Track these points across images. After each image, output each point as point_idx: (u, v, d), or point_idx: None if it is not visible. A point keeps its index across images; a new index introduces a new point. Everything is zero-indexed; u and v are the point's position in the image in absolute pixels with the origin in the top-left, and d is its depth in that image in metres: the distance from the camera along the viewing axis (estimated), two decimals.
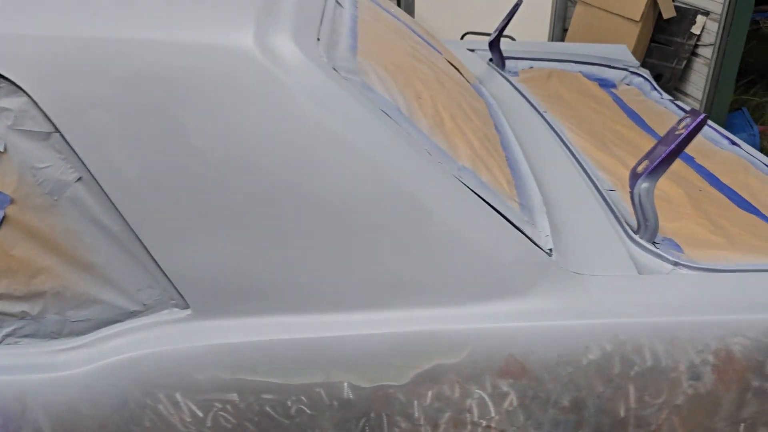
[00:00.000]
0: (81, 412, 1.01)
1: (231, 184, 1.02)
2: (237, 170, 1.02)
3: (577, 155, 1.56)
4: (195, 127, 1.01)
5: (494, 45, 2.23)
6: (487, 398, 1.07)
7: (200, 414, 1.02)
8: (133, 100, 1.00)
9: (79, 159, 1.01)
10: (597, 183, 1.43)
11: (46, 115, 1.00)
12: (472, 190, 1.12)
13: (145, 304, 1.07)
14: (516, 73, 2.29)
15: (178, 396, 1.01)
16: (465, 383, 1.05)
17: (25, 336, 1.07)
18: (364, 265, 1.05)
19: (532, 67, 2.32)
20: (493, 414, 1.08)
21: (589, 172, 1.47)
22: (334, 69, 1.10)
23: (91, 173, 1.01)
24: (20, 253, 1.04)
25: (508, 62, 2.30)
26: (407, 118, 1.16)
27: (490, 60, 2.29)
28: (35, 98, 0.99)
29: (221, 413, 1.03)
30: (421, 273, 1.06)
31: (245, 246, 1.03)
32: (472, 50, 2.40)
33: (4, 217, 1.02)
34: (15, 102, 1.00)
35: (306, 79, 1.04)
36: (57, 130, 1.01)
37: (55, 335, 1.07)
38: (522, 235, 1.12)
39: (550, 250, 1.14)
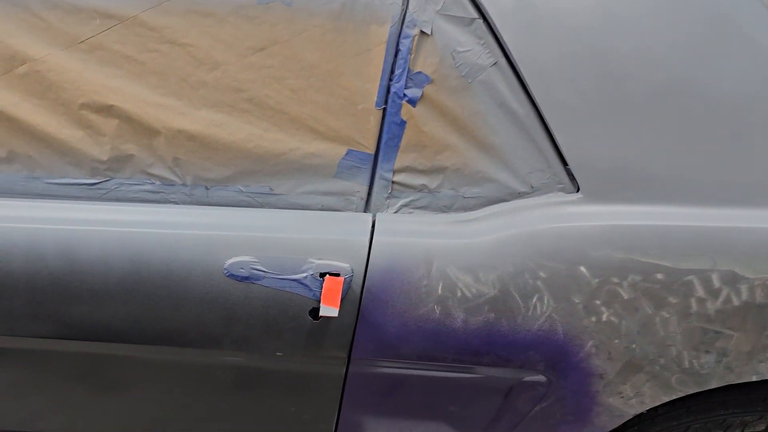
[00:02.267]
0: (480, 277, 1.11)
1: (638, 79, 1.08)
2: (643, 66, 1.08)
3: None
4: (610, 25, 1.07)
5: None
6: None
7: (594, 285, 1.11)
8: None
9: (499, 45, 1.10)
10: None
11: (474, 2, 1.09)
12: None
13: (532, 186, 1.15)
14: None
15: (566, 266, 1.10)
16: None
17: (419, 208, 1.18)
18: (755, 163, 1.09)
19: None
20: None
21: None
22: None
23: (508, 58, 1.10)
24: (431, 129, 1.14)
25: None
26: None
27: None
28: None
29: (608, 287, 1.10)
30: None
31: (644, 138, 1.10)
32: None
33: (422, 96, 1.13)
34: None
35: None
36: (482, 17, 1.10)
37: (446, 209, 1.18)
38: None
39: None
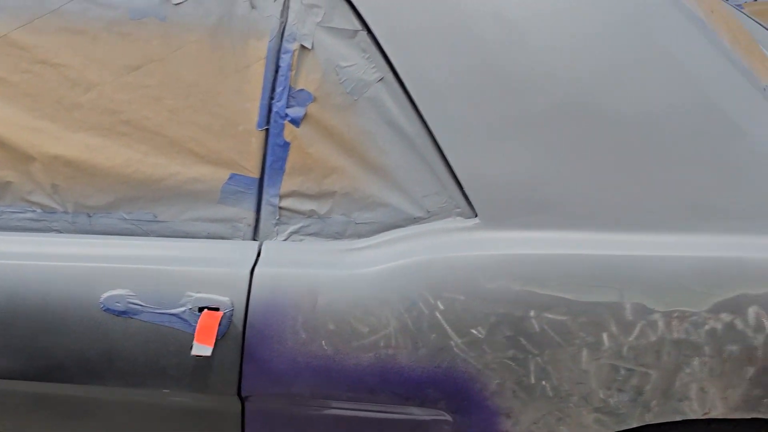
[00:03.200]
0: (369, 310, 1.03)
1: (537, 93, 0.99)
2: (543, 79, 0.98)
3: None
4: (506, 34, 0.98)
5: None
6: None
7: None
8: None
9: (385, 58, 1.01)
10: None
11: (356, 12, 1.00)
12: None
13: (428, 211, 1.06)
14: (740, 6, 2.12)
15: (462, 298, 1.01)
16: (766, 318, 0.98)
17: (310, 234, 1.10)
18: (669, 183, 0.99)
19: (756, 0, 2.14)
20: None
21: None
22: None
23: (395, 73, 1.01)
24: (316, 151, 1.06)
25: None
26: (710, 30, 1.08)
27: None
28: None
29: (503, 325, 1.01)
30: (730, 195, 0.99)
31: (545, 158, 1.00)
32: None
33: (305, 115, 1.05)
34: None
35: None
36: (365, 28, 1.01)
37: (338, 236, 1.09)
38: None
39: None
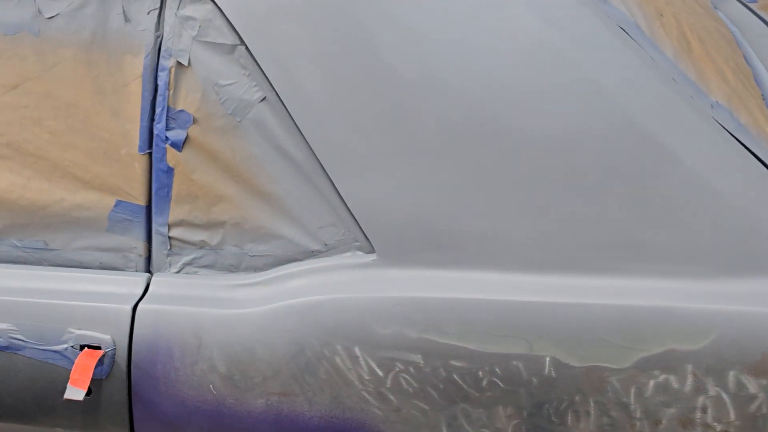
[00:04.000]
0: (256, 353, 0.93)
1: (430, 114, 0.86)
2: (437, 96, 0.85)
3: None
4: (391, 43, 0.85)
5: None
6: (727, 399, 0.85)
7: (380, 373, 0.90)
8: (324, 9, 0.86)
9: (264, 76, 0.90)
10: None
11: (231, 26, 0.89)
12: (729, 132, 0.88)
13: (326, 244, 0.96)
14: (755, 0, 1.89)
15: (357, 350, 0.90)
16: (702, 376, 0.84)
17: (204, 267, 1.01)
18: (586, 218, 0.85)
19: None
20: (733, 418, 0.85)
21: None
22: None
23: (276, 92, 0.90)
24: (201, 177, 0.96)
25: None
26: (648, 37, 0.92)
27: None
28: (221, 6, 0.89)
29: (403, 375, 0.90)
30: (659, 233, 0.84)
31: (444, 187, 0.88)
32: None
33: (186, 138, 0.95)
34: (199, 11, 0.91)
35: None
36: (242, 43, 0.90)
37: (234, 269, 1.00)
38: None
39: None
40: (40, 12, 0.96)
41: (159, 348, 0.96)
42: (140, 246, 1.01)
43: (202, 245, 0.99)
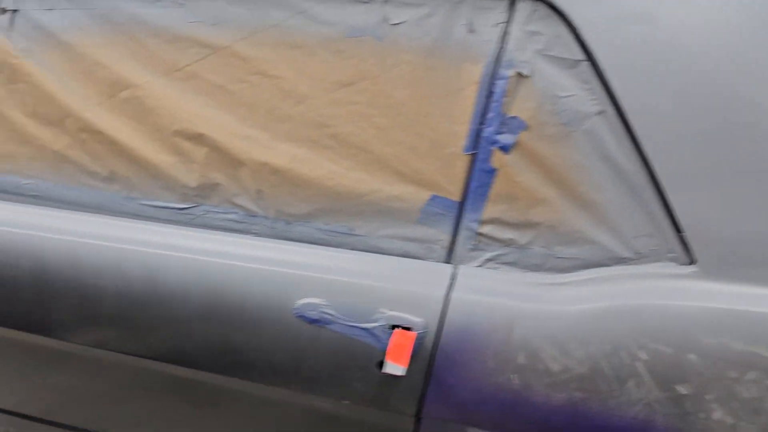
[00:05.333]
0: (568, 349, 0.99)
1: None
2: None
3: None
4: (741, 65, 0.90)
5: None
6: None
7: (695, 381, 0.94)
8: (679, 39, 0.92)
9: (608, 91, 0.96)
10: None
11: (580, 42, 0.96)
12: None
13: (638, 252, 1.01)
14: None
15: (675, 356, 0.94)
16: None
17: (506, 263, 1.07)
18: None
19: None
20: None
21: None
22: None
23: (617, 107, 0.96)
24: (524, 180, 1.03)
25: None
26: None
27: None
28: (573, 23, 0.96)
29: (723, 385, 0.94)
30: None
31: None
32: None
33: (516, 143, 1.02)
34: (548, 26, 0.98)
35: None
36: (588, 59, 0.97)
37: (536, 268, 1.06)
38: None
39: None
40: (386, 19, 1.05)
41: (468, 335, 1.03)
42: (446, 239, 1.09)
43: (509, 243, 1.06)
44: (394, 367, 1.02)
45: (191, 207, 1.20)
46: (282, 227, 1.16)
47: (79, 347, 1.25)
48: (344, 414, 1.17)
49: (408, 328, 1.05)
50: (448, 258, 1.10)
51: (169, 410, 1.29)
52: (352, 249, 1.13)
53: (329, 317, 1.08)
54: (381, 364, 1.08)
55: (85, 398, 1.34)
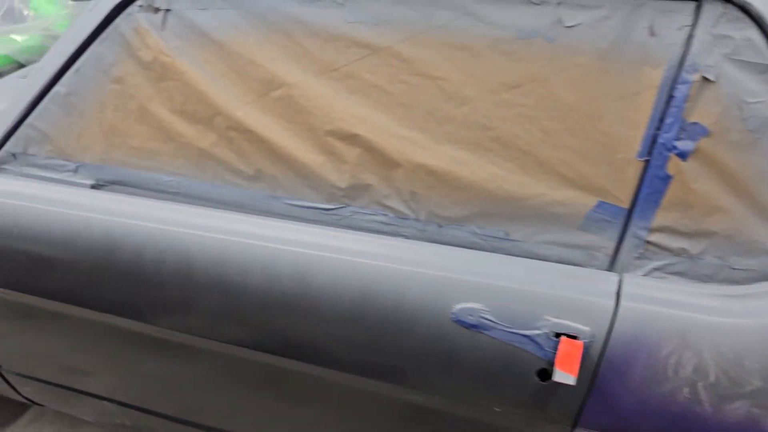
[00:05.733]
0: (748, 365, 0.95)
1: None
2: None
3: None
4: None
5: None
6: None
7: None
8: None
9: None
10: None
11: None
12: None
13: None
14: None
15: None
16: None
17: (674, 273, 1.04)
18: None
19: None
20: None
21: None
22: None
23: None
24: (701, 187, 1.00)
25: None
26: None
27: None
28: (766, 27, 0.93)
29: None
30: None
31: None
32: None
33: (695, 149, 0.99)
34: (738, 30, 0.96)
35: None
36: None
37: (707, 279, 1.03)
38: None
39: None
40: (560, 21, 1.04)
41: (638, 345, 1.00)
42: (609, 246, 1.06)
43: (680, 252, 1.03)
44: (565, 375, 1.00)
45: (338, 208, 1.19)
46: (433, 230, 1.15)
47: (216, 344, 1.25)
48: (491, 422, 1.15)
49: (574, 337, 1.03)
50: (611, 266, 1.07)
51: (305, 409, 1.29)
52: (506, 254, 1.12)
53: (489, 323, 1.06)
54: (542, 372, 1.05)
55: (229, 398, 1.34)
